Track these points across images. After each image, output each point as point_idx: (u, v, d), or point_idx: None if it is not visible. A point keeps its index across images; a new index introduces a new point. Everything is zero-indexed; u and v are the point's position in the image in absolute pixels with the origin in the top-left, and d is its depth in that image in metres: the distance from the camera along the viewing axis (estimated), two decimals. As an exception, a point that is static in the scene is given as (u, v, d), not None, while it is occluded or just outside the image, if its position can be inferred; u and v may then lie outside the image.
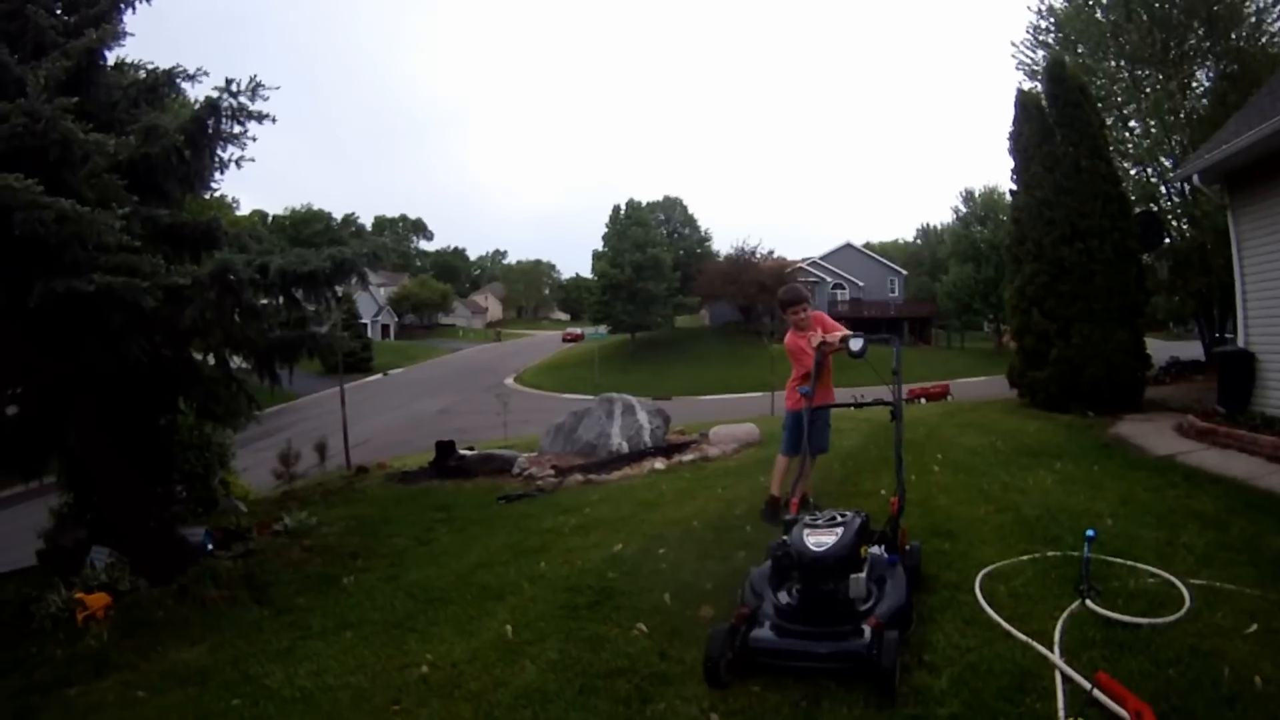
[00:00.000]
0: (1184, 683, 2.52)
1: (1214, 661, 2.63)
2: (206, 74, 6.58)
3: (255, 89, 6.12)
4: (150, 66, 6.67)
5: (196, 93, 7.02)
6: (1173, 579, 3.41)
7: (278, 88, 6.12)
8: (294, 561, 5.35)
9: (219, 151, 6.39)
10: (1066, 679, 2.58)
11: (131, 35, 6.42)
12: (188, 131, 6.00)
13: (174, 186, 6.27)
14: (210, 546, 5.85)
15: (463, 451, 9.25)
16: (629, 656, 3.06)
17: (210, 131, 6.21)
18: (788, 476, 5.09)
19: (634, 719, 2.63)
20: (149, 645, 4.06)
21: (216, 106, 6.12)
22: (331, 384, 16.62)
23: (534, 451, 9.47)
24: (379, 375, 42.12)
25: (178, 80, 6.64)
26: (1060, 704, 2.44)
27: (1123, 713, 2.30)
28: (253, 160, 6.41)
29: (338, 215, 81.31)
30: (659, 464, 8.06)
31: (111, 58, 6.48)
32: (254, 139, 6.23)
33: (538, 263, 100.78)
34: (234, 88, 6.05)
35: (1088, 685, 2.44)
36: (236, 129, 6.23)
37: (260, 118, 6.12)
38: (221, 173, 6.48)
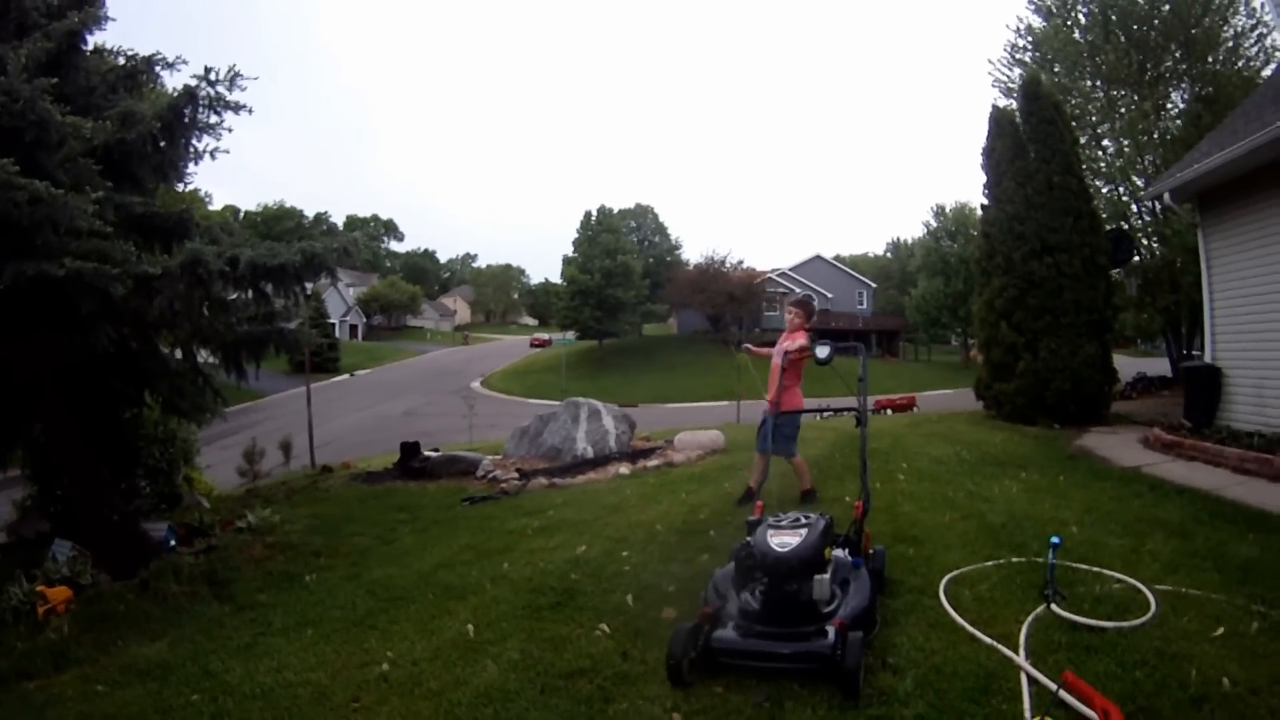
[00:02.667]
0: (1151, 684, 2.53)
1: (1181, 664, 2.65)
2: (185, 62, 6.52)
3: (234, 79, 6.06)
4: (130, 53, 6.58)
5: (175, 81, 6.96)
6: (1138, 585, 3.44)
7: (256, 78, 6.05)
8: (256, 558, 5.28)
9: (194, 141, 6.31)
10: (1032, 680, 2.59)
11: (113, 20, 6.36)
12: (164, 119, 5.92)
13: (148, 175, 6.18)
14: (173, 542, 5.75)
15: (427, 453, 9.18)
16: (591, 657, 3.05)
17: (186, 120, 6.13)
18: (763, 471, 5.33)
19: (596, 718, 2.60)
20: (109, 639, 4.01)
21: (194, 95, 6.03)
22: (298, 383, 16.48)
23: (499, 455, 9.43)
24: (346, 376, 41.82)
25: (156, 68, 6.56)
26: (1026, 704, 2.45)
27: (1089, 712, 2.30)
28: (227, 152, 6.36)
29: (310, 213, 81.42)
30: (624, 469, 8.05)
31: (92, 42, 6.41)
32: (229, 130, 6.17)
33: (508, 267, 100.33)
34: (213, 76, 5.98)
35: (1054, 686, 2.44)
36: (213, 119, 6.17)
37: (237, 108, 6.04)
38: (196, 163, 6.41)
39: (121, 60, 6.56)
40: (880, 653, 2.86)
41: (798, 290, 51.08)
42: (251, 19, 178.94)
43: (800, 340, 5.26)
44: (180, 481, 7.71)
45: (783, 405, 5.13)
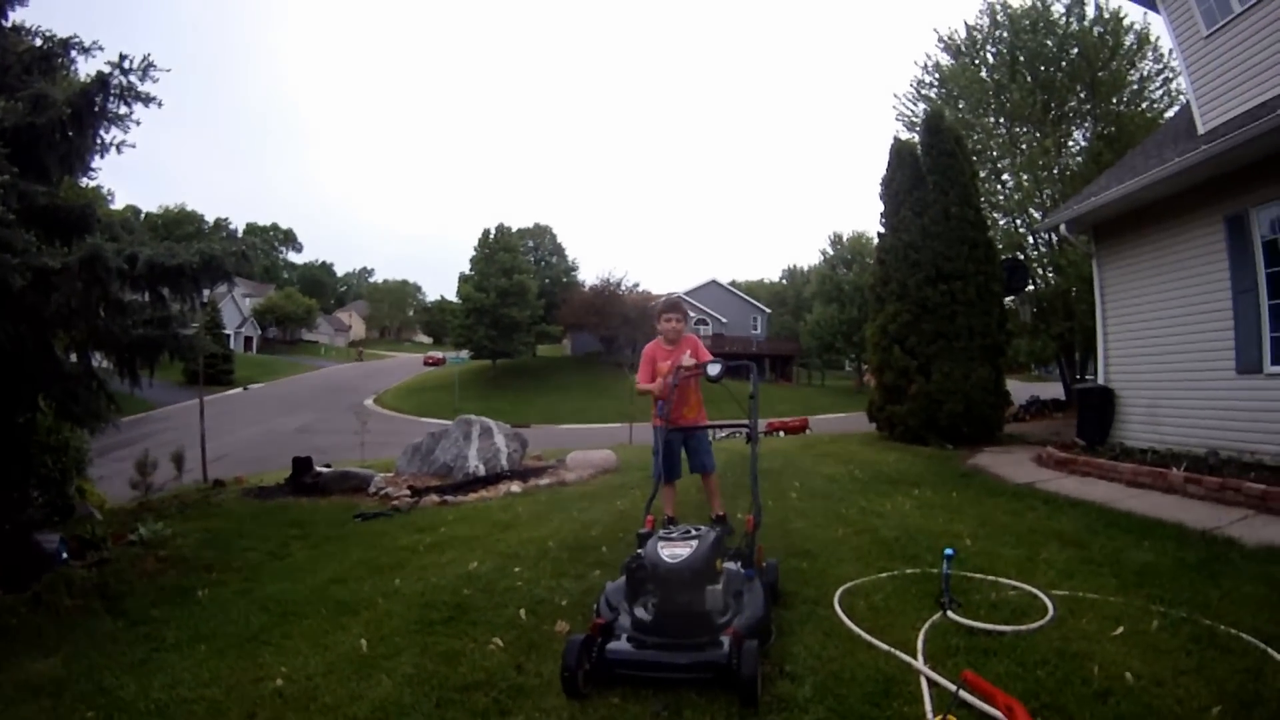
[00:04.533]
0: (1053, 682, 2.61)
1: (1083, 662, 2.75)
2: (101, 48, 6.29)
3: (147, 69, 5.87)
4: (48, 33, 6.27)
5: (88, 68, 6.67)
6: (1035, 590, 3.56)
7: (169, 70, 5.86)
8: (148, 572, 5.07)
9: (102, 132, 6.06)
10: (932, 683, 2.64)
11: (33, -3, 6.08)
12: (75, 105, 5.67)
13: (55, 164, 5.89)
14: (65, 554, 5.44)
15: (320, 469, 9.00)
16: (486, 670, 3.00)
17: (97, 109, 5.89)
18: (674, 497, 5.10)
19: (491, 732, 2.56)
20: (2, 655, 3.78)
21: (106, 83, 5.81)
22: (191, 395, 15.96)
23: (391, 472, 9.33)
24: (240, 389, 40.92)
25: (72, 51, 6.29)
26: (927, 706, 2.49)
27: (993, 711, 2.35)
28: (133, 146, 6.11)
29: (210, 218, 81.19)
30: (515, 487, 8.04)
31: (12, 18, 6.14)
32: (138, 123, 5.96)
33: (404, 283, 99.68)
34: (126, 64, 5.77)
35: (953, 687, 2.49)
36: (123, 109, 5.95)
37: (147, 100, 5.84)
38: (102, 156, 6.15)
39: (39, 41, 6.24)
40: (777, 661, 2.89)
41: (690, 315, 51.71)
42: (153, 15, 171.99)
43: (696, 357, 4.80)
44: (72, 492, 7.28)
45: (699, 420, 5.00)
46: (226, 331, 50.63)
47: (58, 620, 4.27)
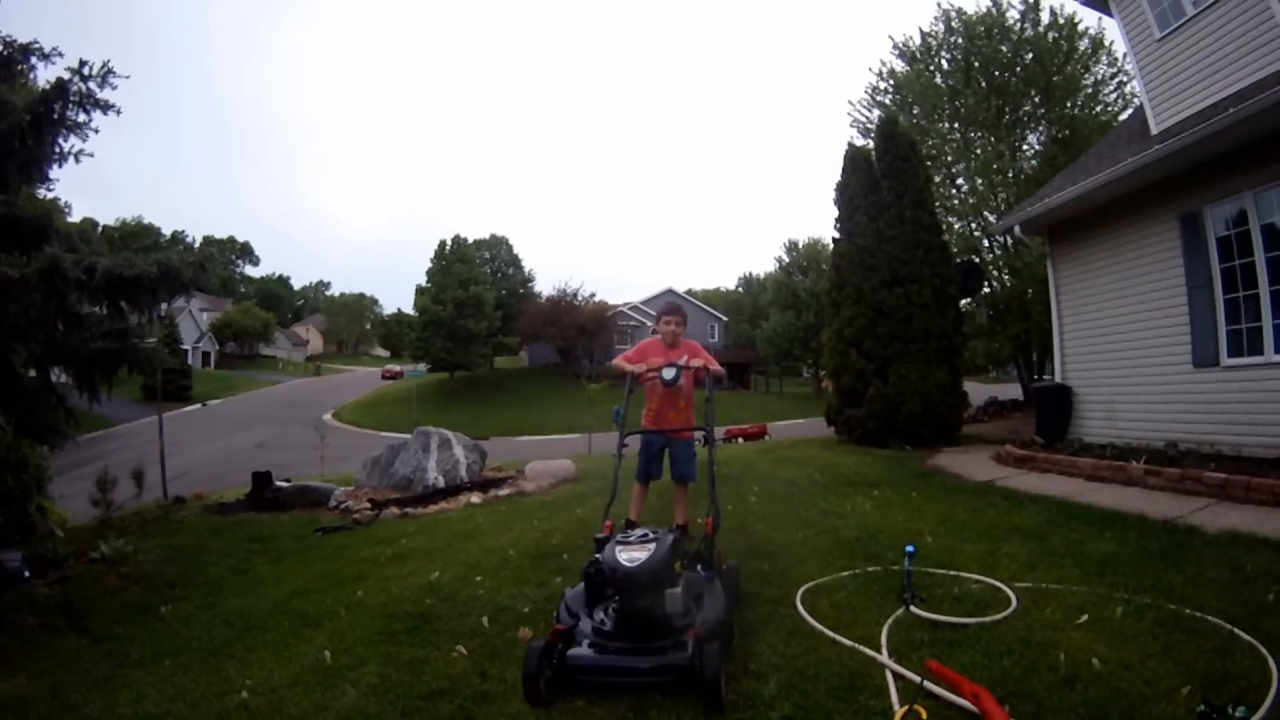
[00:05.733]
0: (1019, 670, 2.66)
1: (1048, 650, 2.80)
2: (61, 54, 6.16)
3: (106, 75, 5.79)
4: (8, 38, 6.14)
5: (48, 74, 6.58)
6: (997, 583, 3.61)
7: (128, 77, 5.79)
8: (111, 589, 5.02)
9: (60, 140, 5.96)
10: (898, 675, 2.68)
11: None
12: (34, 113, 5.57)
13: (14, 173, 5.79)
14: (27, 573, 5.32)
15: (279, 484, 8.98)
16: (450, 678, 3.00)
17: (55, 116, 5.80)
18: (644, 499, 5.01)
19: (458, 740, 2.55)
20: (-34, 676, 3.71)
21: (65, 89, 5.73)
22: (149, 412, 15.67)
23: (351, 486, 9.31)
24: (198, 405, 40.50)
25: (32, 58, 6.15)
26: (894, 697, 2.53)
27: (960, 700, 2.38)
28: (91, 156, 6.05)
29: (167, 230, 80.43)
30: (475, 498, 8.08)
31: None
32: (96, 130, 5.88)
33: (361, 296, 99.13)
34: (86, 71, 5.69)
35: (919, 679, 2.52)
36: (81, 117, 5.86)
37: (106, 107, 5.75)
38: (61, 165, 6.06)
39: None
40: (742, 661, 2.92)
41: (647, 324, 51.68)
42: (111, 21, 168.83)
43: (699, 359, 4.64)
44: (34, 510, 7.11)
45: (688, 426, 4.79)
46: (184, 347, 50.26)
47: (21, 639, 4.21)
